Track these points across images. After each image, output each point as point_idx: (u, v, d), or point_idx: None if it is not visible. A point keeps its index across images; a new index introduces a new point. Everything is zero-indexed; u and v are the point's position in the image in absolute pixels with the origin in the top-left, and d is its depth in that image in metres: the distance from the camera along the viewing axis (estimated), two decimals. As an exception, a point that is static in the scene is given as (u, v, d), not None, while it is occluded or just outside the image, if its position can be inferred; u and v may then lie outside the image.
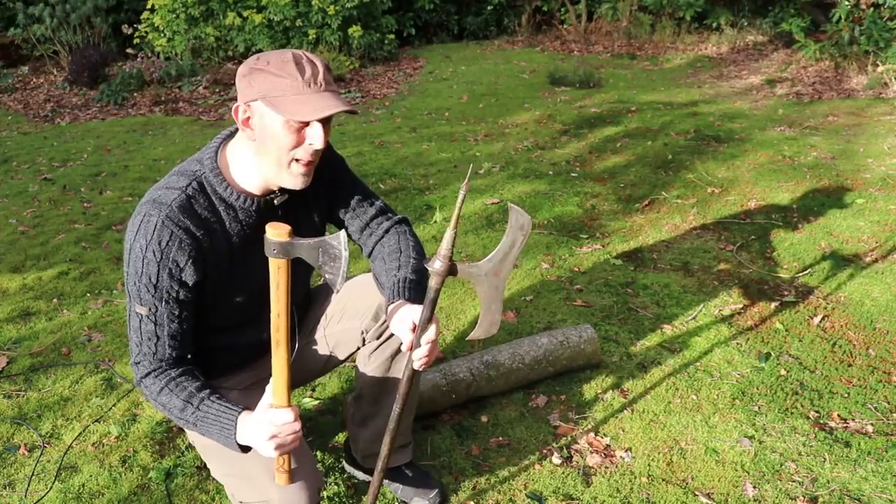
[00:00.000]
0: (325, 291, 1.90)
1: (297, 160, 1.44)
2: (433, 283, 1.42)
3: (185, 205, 1.46)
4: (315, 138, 1.42)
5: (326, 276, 1.38)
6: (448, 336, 2.74)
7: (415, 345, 1.50)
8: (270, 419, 1.39)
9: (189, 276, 1.47)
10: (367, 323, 1.76)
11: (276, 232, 1.32)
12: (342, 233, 1.38)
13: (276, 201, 1.56)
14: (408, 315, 1.54)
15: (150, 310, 1.47)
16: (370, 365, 1.82)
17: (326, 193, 1.72)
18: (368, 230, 1.78)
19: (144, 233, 1.43)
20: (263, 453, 1.42)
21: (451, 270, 1.42)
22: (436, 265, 1.40)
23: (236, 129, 1.53)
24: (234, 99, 1.51)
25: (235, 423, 1.43)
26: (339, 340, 1.84)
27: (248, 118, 1.43)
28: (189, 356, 1.57)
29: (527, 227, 1.45)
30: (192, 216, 1.46)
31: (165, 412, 1.50)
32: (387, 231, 1.78)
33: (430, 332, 1.49)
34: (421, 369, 1.54)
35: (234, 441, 1.44)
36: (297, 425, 1.41)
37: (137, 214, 1.46)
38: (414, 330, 1.51)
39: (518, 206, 1.45)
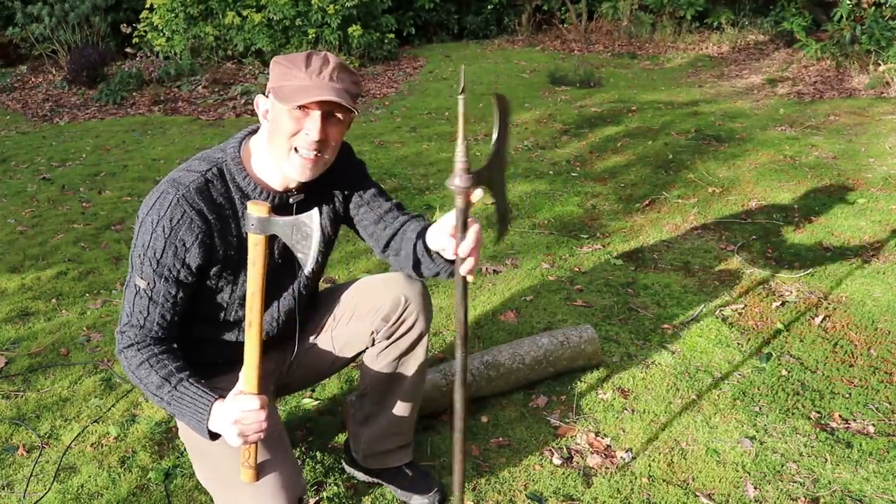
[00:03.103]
0: (333, 294, 1.88)
1: (297, 150, 1.46)
2: (459, 203, 1.31)
3: (203, 188, 1.48)
4: (311, 128, 1.43)
5: (299, 255, 1.40)
6: (448, 336, 2.73)
7: (459, 255, 1.36)
8: (237, 404, 1.40)
9: (193, 259, 1.48)
10: (378, 323, 1.75)
11: (256, 207, 1.35)
12: (315, 211, 1.39)
13: (291, 199, 1.57)
14: (447, 223, 1.44)
15: (148, 284, 1.48)
16: (377, 364, 1.81)
17: (344, 197, 1.72)
18: (383, 223, 1.71)
19: (158, 208, 1.46)
20: (228, 441, 1.43)
21: (477, 179, 1.30)
22: (457, 181, 1.29)
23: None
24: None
25: (210, 410, 1.44)
26: (347, 341, 1.83)
27: (267, 110, 1.49)
28: (174, 342, 1.57)
29: (508, 108, 1.33)
30: (207, 200, 1.48)
31: (141, 386, 1.50)
32: (403, 223, 1.70)
33: (470, 238, 1.35)
34: (469, 277, 1.38)
35: (206, 427, 1.45)
36: (262, 414, 1.40)
37: (155, 191, 1.49)
38: (454, 236, 1.37)
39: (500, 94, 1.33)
